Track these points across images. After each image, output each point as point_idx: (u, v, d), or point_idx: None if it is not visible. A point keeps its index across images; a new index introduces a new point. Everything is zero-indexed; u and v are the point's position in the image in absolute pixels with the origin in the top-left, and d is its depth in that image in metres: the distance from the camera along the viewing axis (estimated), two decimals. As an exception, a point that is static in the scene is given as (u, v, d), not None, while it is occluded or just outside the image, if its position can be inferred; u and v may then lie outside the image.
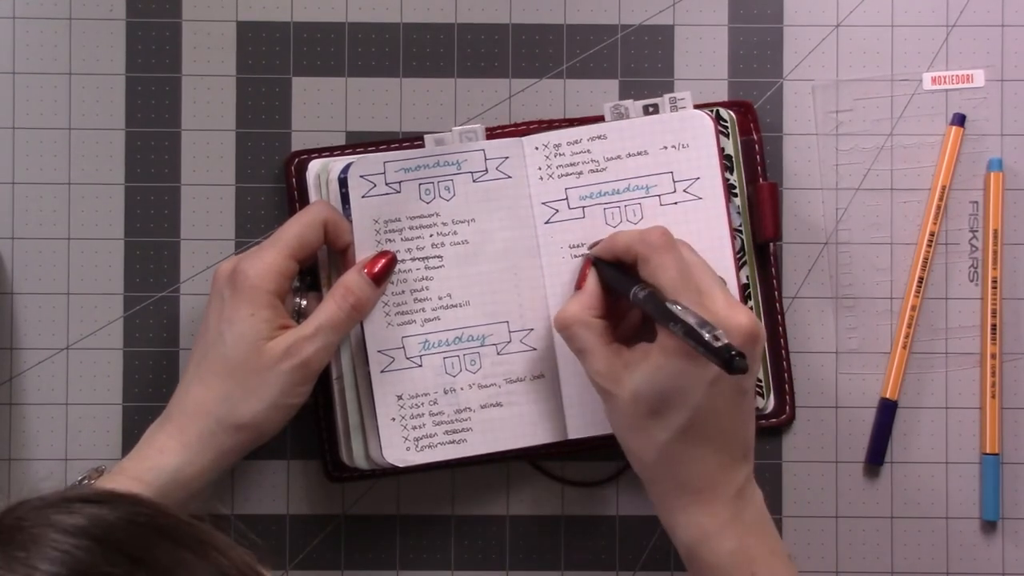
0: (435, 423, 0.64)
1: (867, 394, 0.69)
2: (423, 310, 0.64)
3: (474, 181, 0.64)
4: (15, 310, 0.68)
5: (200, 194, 0.68)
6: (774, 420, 0.67)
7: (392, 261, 0.63)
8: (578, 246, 0.65)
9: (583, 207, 0.65)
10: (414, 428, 0.63)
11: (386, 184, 0.63)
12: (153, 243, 0.68)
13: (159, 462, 0.59)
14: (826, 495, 0.68)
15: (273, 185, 0.68)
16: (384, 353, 0.63)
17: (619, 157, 0.65)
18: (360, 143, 0.67)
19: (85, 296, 0.68)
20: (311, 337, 0.60)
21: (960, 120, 0.68)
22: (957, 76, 0.69)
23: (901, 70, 0.69)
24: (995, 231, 0.68)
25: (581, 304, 0.60)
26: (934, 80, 0.69)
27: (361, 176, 0.63)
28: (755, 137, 0.67)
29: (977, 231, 0.69)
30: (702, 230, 0.64)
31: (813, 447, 0.68)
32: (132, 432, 0.68)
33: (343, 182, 0.63)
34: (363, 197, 0.63)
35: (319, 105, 0.68)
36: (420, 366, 0.64)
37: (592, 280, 0.61)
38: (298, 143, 0.68)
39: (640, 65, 0.69)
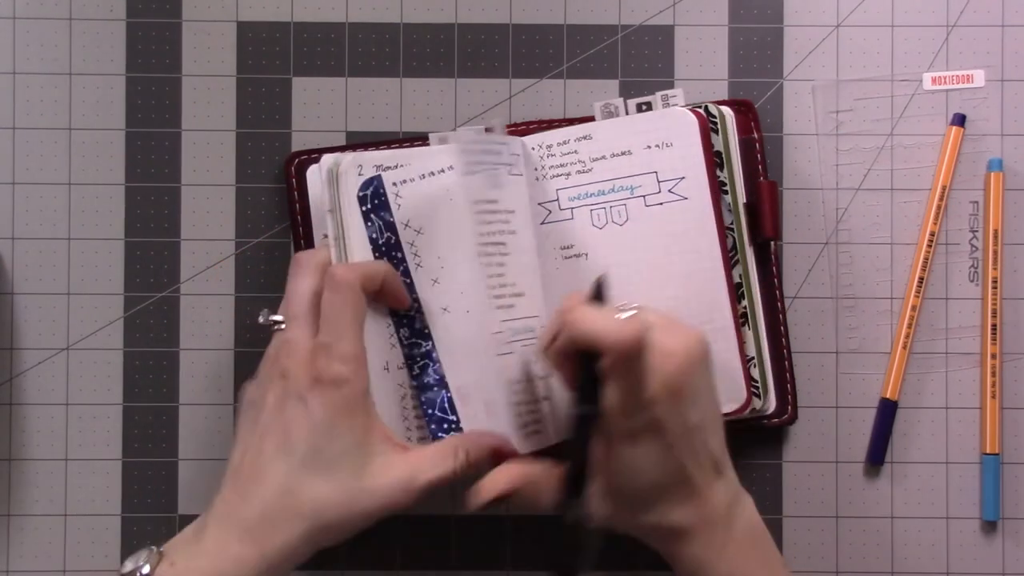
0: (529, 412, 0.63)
1: (867, 394, 0.69)
2: (503, 296, 0.63)
3: (509, 174, 0.64)
4: (15, 310, 0.68)
5: (200, 194, 0.68)
6: (776, 420, 0.67)
7: (513, 452, 0.60)
8: (568, 247, 0.65)
9: (572, 208, 0.65)
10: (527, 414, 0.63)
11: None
12: (153, 243, 0.68)
13: (236, 573, 0.54)
14: (826, 495, 0.68)
15: (273, 185, 0.68)
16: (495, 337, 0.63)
17: (604, 157, 0.65)
18: (360, 143, 0.67)
19: (85, 296, 0.68)
20: (418, 493, 0.57)
21: (960, 120, 0.68)
22: (957, 76, 0.69)
23: (901, 70, 0.69)
24: (995, 231, 0.68)
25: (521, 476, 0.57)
26: (934, 80, 0.69)
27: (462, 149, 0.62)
28: (755, 136, 0.67)
29: (977, 231, 0.69)
30: (689, 231, 0.63)
31: (813, 447, 0.68)
32: (132, 432, 0.68)
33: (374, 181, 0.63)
34: (463, 176, 0.62)
35: (319, 105, 0.68)
36: (511, 353, 0.63)
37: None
38: (298, 143, 0.68)
39: (640, 65, 0.69)
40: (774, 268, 0.67)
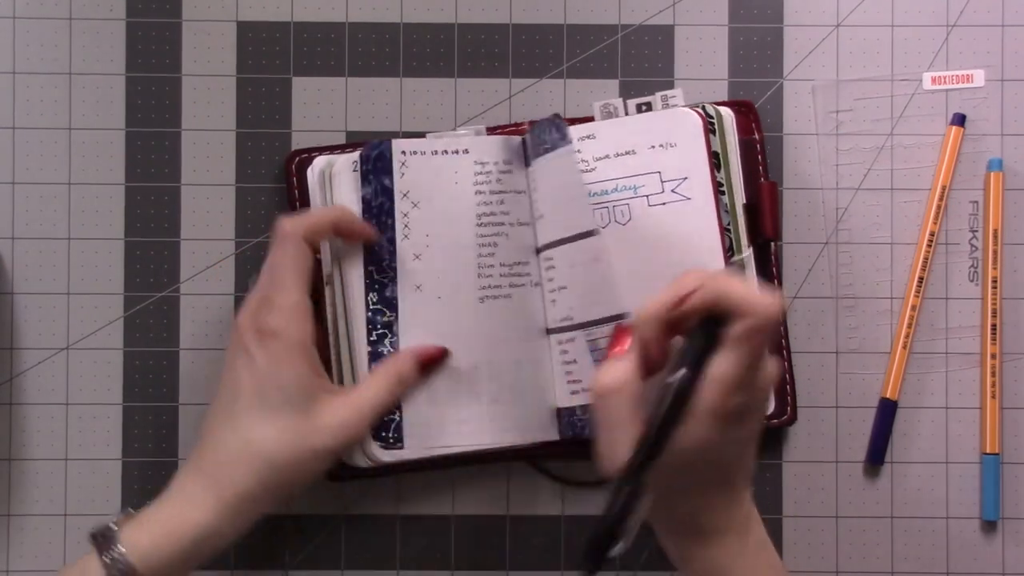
0: None
1: (867, 394, 0.69)
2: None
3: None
4: (15, 310, 0.68)
5: (200, 194, 0.68)
6: (776, 421, 0.67)
7: (443, 356, 0.63)
8: None
9: None
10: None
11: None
12: (153, 243, 0.68)
13: (194, 516, 0.57)
14: (826, 495, 0.68)
15: (273, 185, 0.68)
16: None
17: (608, 157, 0.65)
18: (360, 142, 0.67)
19: (85, 296, 0.68)
20: (365, 421, 0.60)
21: (960, 120, 0.68)
22: (957, 76, 0.69)
23: (901, 70, 0.69)
24: (995, 231, 0.68)
25: (629, 371, 0.55)
26: (934, 80, 0.69)
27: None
28: (756, 137, 0.67)
29: (977, 231, 0.69)
30: (691, 231, 0.63)
31: (813, 447, 0.68)
32: (132, 432, 0.68)
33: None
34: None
35: (319, 105, 0.68)
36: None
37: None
38: (298, 143, 0.68)
39: (640, 65, 0.69)
40: (774, 268, 0.67)
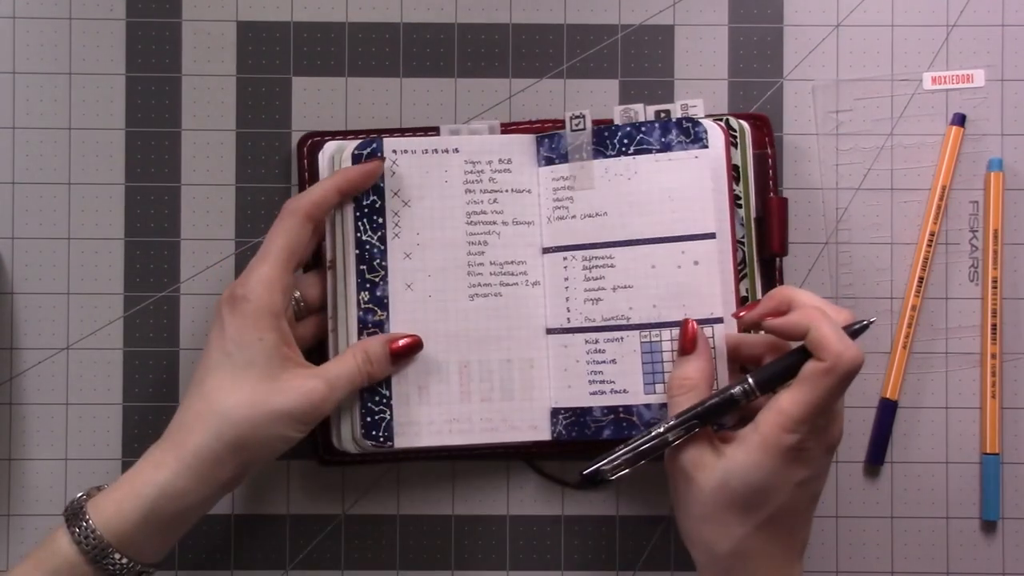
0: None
1: (867, 394, 0.69)
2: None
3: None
4: (15, 310, 0.68)
5: (200, 194, 0.68)
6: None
7: (417, 346, 0.63)
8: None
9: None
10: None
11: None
12: (153, 243, 0.68)
13: (153, 476, 0.57)
14: (826, 495, 0.68)
15: (273, 185, 0.68)
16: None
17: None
18: (374, 129, 0.67)
19: (85, 296, 0.68)
20: (330, 391, 0.60)
21: (960, 120, 0.68)
22: (957, 76, 0.69)
23: (901, 70, 0.69)
24: (995, 231, 0.68)
25: (702, 370, 0.60)
26: (934, 80, 0.69)
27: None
28: (769, 151, 0.66)
29: (977, 231, 0.69)
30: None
31: (813, 447, 0.68)
32: (132, 432, 0.68)
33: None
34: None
35: (319, 105, 0.68)
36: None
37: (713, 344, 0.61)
38: (298, 143, 0.68)
39: (640, 65, 0.69)
40: (779, 284, 0.66)
